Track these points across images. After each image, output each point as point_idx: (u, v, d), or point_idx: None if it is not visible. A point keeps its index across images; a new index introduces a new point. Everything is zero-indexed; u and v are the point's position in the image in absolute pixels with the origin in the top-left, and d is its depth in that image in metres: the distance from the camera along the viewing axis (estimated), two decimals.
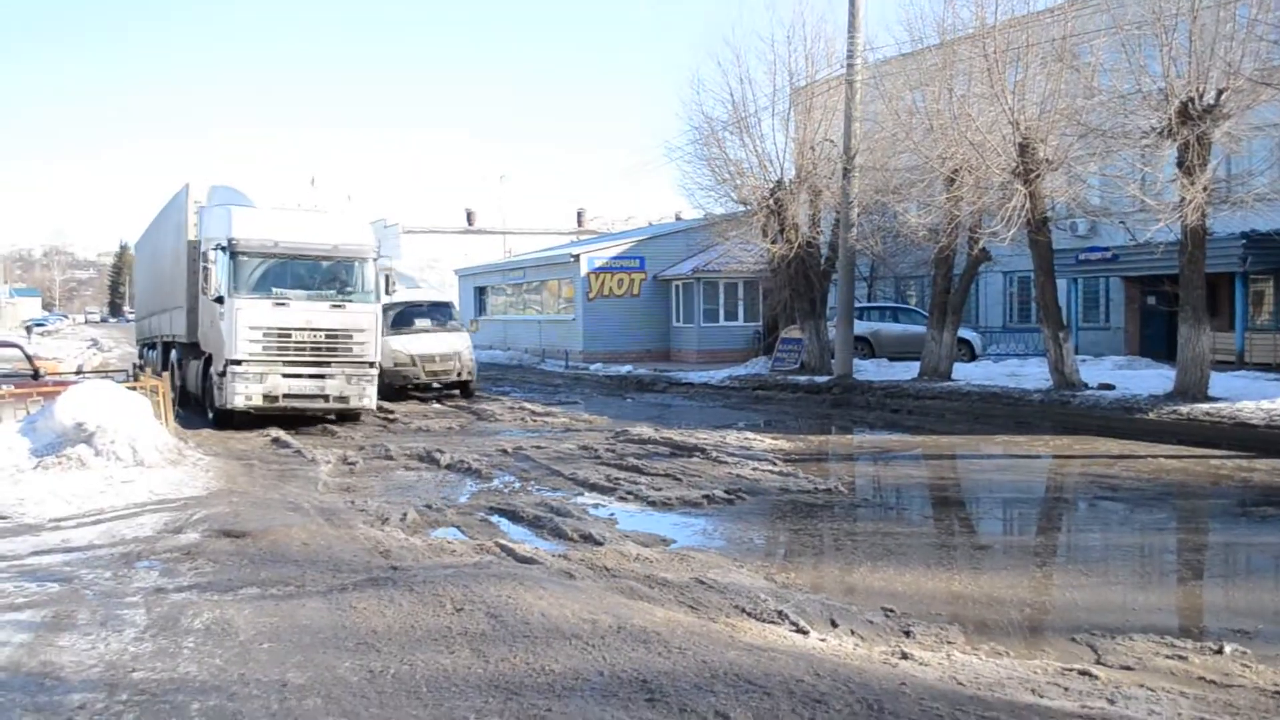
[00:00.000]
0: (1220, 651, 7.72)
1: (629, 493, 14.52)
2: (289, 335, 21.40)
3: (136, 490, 13.47)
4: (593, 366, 40.88)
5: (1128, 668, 7.30)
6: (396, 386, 29.19)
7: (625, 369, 38.89)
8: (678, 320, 45.36)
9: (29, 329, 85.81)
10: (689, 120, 37.74)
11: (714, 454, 17.83)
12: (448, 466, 17.00)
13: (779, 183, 32.49)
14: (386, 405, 26.49)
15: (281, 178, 28.32)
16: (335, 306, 22.12)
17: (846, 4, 29.48)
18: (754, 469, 16.20)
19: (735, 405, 28.67)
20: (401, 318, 30.06)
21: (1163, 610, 9.36)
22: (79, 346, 57.60)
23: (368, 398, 22.57)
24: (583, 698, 6.03)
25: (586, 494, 14.70)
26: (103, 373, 26.18)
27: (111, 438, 15.07)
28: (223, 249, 21.27)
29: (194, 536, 10.93)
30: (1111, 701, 6.33)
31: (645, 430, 20.79)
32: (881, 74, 30.51)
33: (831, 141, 31.53)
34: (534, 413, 25.72)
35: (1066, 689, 6.60)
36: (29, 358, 21.05)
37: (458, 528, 12.14)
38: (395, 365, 28.67)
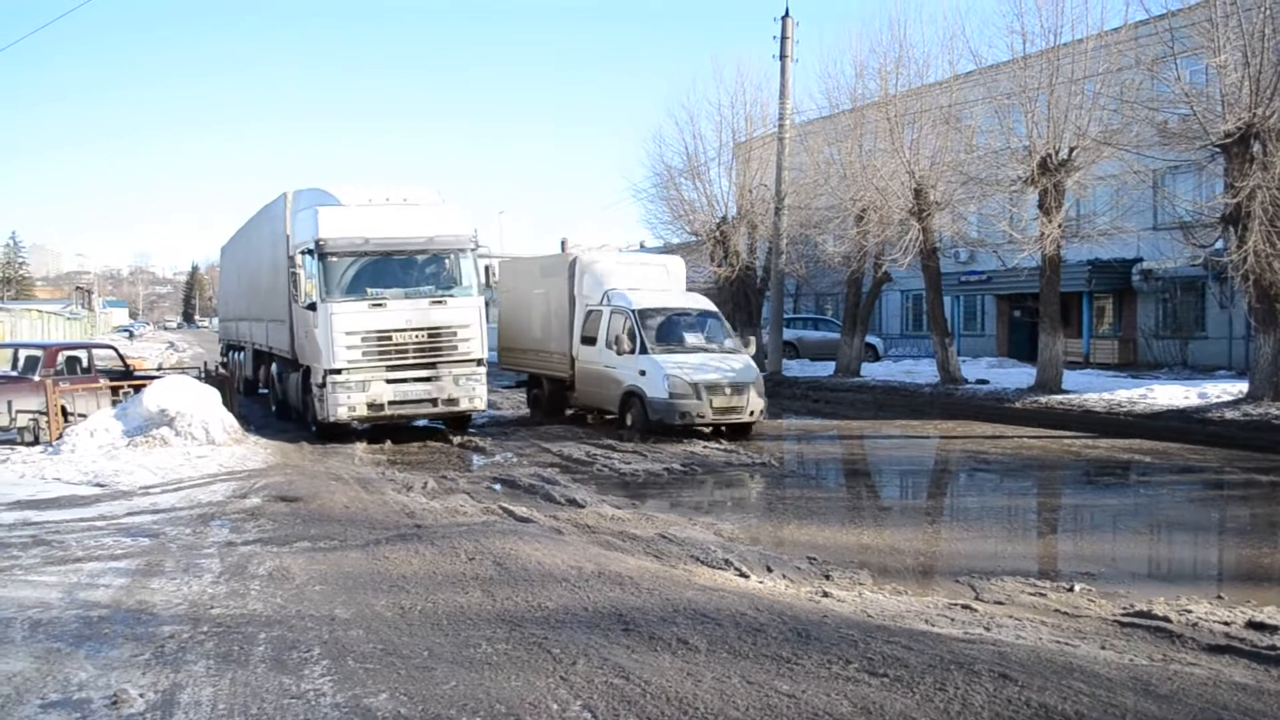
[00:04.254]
0: (1072, 589, 7.84)
1: (604, 465, 14.52)
2: (389, 338, 16.42)
3: (209, 464, 13.37)
4: None
5: (1000, 602, 7.40)
6: (667, 422, 17.01)
7: None
8: None
9: (130, 334, 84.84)
10: (651, 167, 37.62)
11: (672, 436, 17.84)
12: (460, 445, 16.97)
13: (724, 218, 32.49)
14: (663, 448, 15.92)
15: (370, 180, 24.52)
16: (436, 303, 16.86)
17: (778, 76, 29.60)
18: (704, 447, 16.20)
19: None
20: (667, 330, 18.30)
21: (1026, 557, 9.47)
22: (159, 348, 56.91)
23: (478, 398, 17.28)
24: (571, 628, 6.06)
25: (571, 467, 14.69)
26: (179, 369, 25.69)
27: (188, 421, 14.96)
28: (310, 252, 16.33)
29: (256, 501, 10.89)
30: (987, 629, 6.40)
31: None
32: (806, 132, 30.66)
33: (766, 186, 31.54)
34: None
35: (953, 619, 6.69)
36: (121, 356, 20.70)
37: (467, 494, 12.11)
38: (671, 395, 16.85)
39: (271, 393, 20.90)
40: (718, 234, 32.30)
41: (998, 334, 36.39)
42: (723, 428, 17.68)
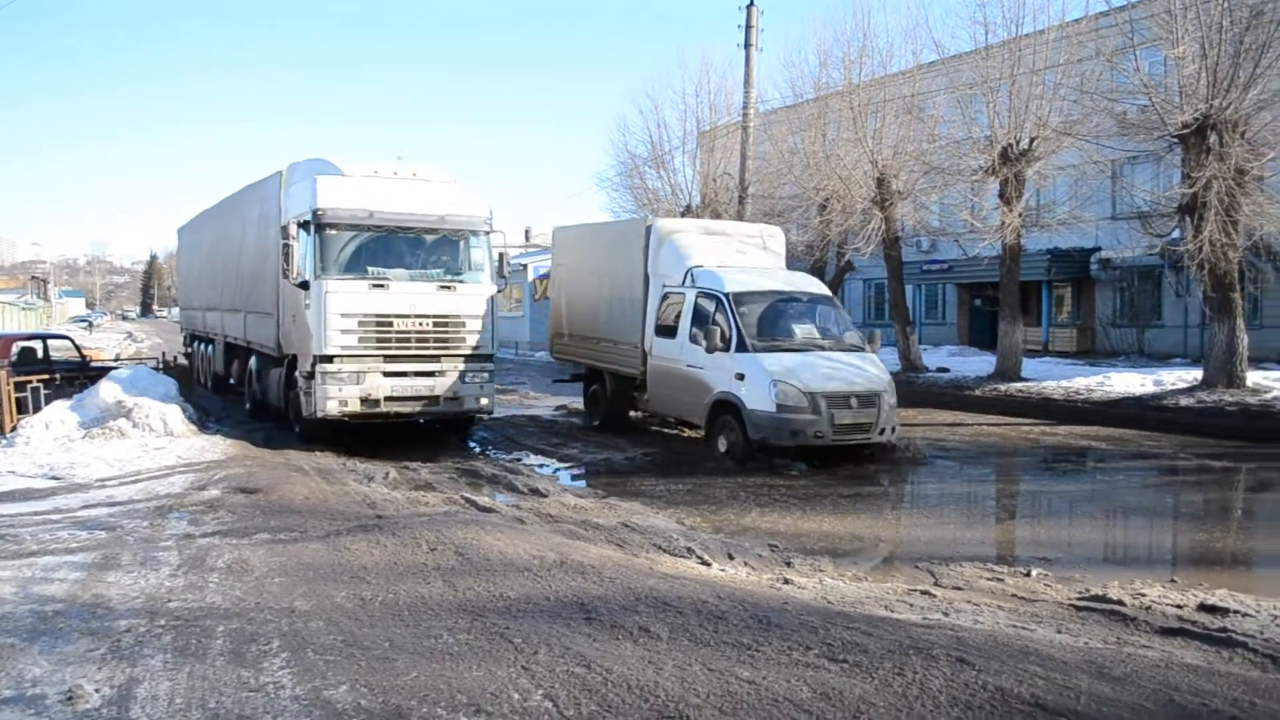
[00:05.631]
0: (1029, 574, 7.96)
1: (568, 455, 14.52)
2: (390, 324, 14.37)
3: (167, 456, 13.20)
4: (537, 354, 40.57)
5: (958, 588, 7.49)
6: (773, 444, 13.16)
7: None
8: None
9: (89, 324, 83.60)
10: (616, 156, 37.58)
11: (636, 423, 17.86)
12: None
13: (688, 208, 32.50)
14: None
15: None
16: (444, 288, 14.80)
17: (743, 65, 29.60)
18: (672, 433, 16.25)
19: None
20: (771, 321, 14.28)
21: (985, 543, 9.60)
22: (118, 338, 56.14)
23: (486, 398, 15.15)
24: (534, 617, 6.05)
25: (533, 456, 14.68)
26: (138, 359, 25.15)
27: (146, 413, 14.75)
28: (306, 224, 14.21)
29: (215, 493, 10.77)
30: (946, 614, 6.48)
31: (579, 404, 20.74)
32: (770, 121, 30.69)
33: (729, 175, 31.57)
34: None
35: (911, 605, 6.76)
36: (77, 347, 20.37)
37: (429, 485, 12.06)
38: (780, 409, 12.81)
39: (248, 390, 18.72)
40: None
41: (959, 322, 36.71)
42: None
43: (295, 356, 15.16)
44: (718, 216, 32.03)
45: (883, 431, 13.45)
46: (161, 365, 19.44)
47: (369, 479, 12.09)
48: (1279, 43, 16.97)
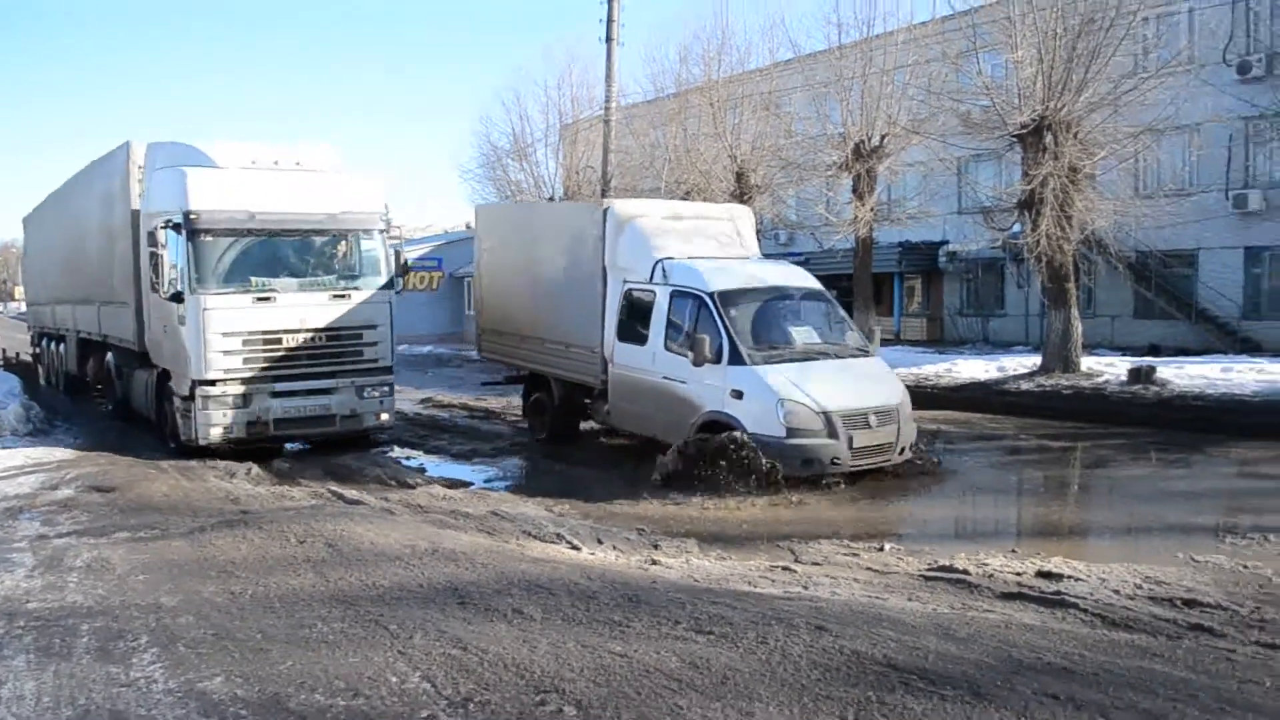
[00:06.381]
0: (882, 549, 8.42)
1: (435, 447, 14.51)
2: (278, 340, 12.93)
3: (13, 455, 12.69)
4: (400, 347, 40.09)
5: (817, 564, 7.87)
6: (775, 474, 10.89)
7: (427, 349, 38.38)
8: (470, 310, 45.10)
9: None
10: (479, 148, 37.37)
11: (502, 415, 17.93)
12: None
13: (550, 200, 32.65)
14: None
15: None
16: (338, 297, 13.38)
17: (604, 60, 29.84)
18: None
19: None
20: (764, 323, 12.40)
21: (842, 522, 10.02)
22: None
23: (386, 414, 13.95)
24: (408, 604, 6.13)
25: (399, 449, 14.60)
26: None
27: None
28: (176, 227, 12.47)
29: (69, 492, 10.44)
30: (805, 588, 6.82)
31: (446, 397, 20.69)
32: (632, 115, 31.01)
33: (592, 168, 31.78)
34: None
35: (773, 580, 7.09)
36: None
37: (294, 479, 11.89)
38: (790, 433, 11.00)
39: (110, 390, 17.05)
40: None
41: None
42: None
43: (168, 371, 13.58)
44: None
45: (902, 451, 11.78)
46: (1, 362, 18.52)
47: (230, 475, 11.86)
48: (1107, 49, 18.07)
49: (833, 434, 11.01)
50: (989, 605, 6.43)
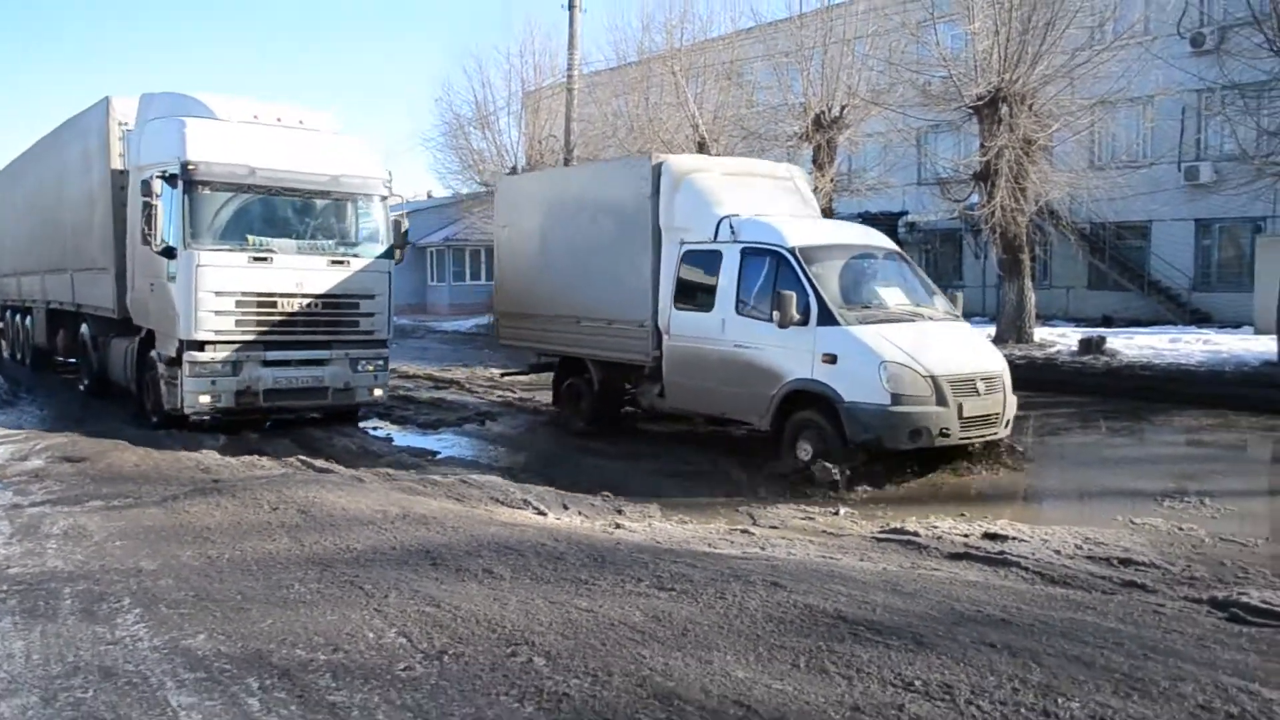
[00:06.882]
0: (837, 513, 8.79)
1: (402, 417, 14.68)
2: (273, 304, 12.34)
3: None
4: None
5: (774, 527, 8.21)
6: (889, 447, 9.93)
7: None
8: (432, 280, 45.12)
9: None
10: (440, 116, 37.52)
11: (467, 386, 18.15)
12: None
13: (514, 169, 32.66)
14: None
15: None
16: (336, 263, 12.84)
17: (567, 27, 29.84)
18: (499, 396, 16.59)
19: (481, 347, 28.80)
20: (852, 285, 11.26)
21: (800, 488, 10.28)
22: None
23: (380, 389, 13.42)
24: (381, 566, 6.38)
25: (364, 421, 14.73)
26: None
27: None
28: (173, 178, 11.82)
29: (39, 463, 10.54)
30: (762, 549, 7.15)
31: (411, 368, 20.83)
32: (594, 84, 31.10)
33: (555, 136, 31.83)
34: None
35: (732, 542, 7.42)
36: None
37: (262, 449, 12.01)
38: (895, 400, 9.70)
39: (85, 365, 16.25)
40: None
41: None
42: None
43: (152, 333, 12.93)
44: None
45: (1006, 424, 10.78)
46: None
47: (200, 445, 11.96)
48: (1062, 22, 18.46)
49: (942, 401, 9.81)
50: (936, 564, 6.79)
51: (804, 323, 10.24)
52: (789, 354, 10.42)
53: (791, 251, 10.72)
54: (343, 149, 13.27)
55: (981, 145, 19.61)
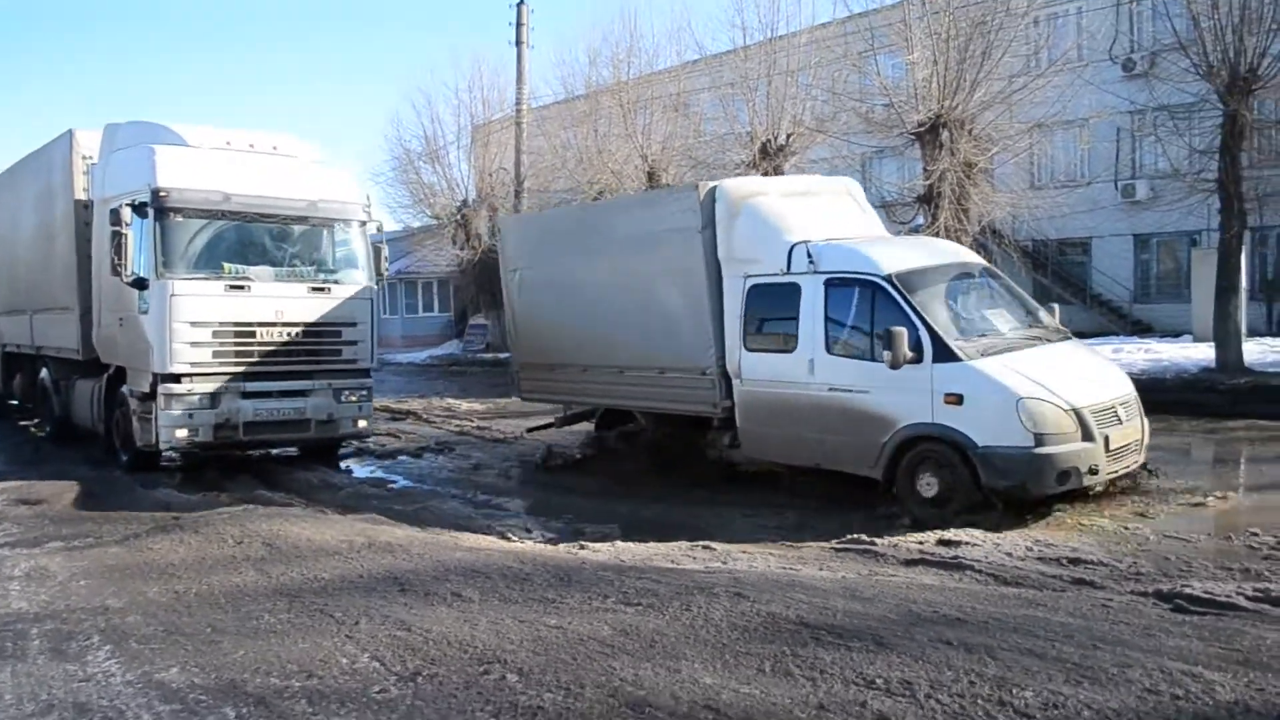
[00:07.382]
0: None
1: (360, 449, 14.66)
2: (252, 334, 11.83)
3: None
4: None
5: (735, 542, 8.35)
6: (1034, 492, 8.61)
7: None
8: (385, 313, 44.96)
9: None
10: (390, 151, 37.47)
11: (424, 416, 18.16)
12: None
13: (464, 202, 32.89)
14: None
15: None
16: (317, 290, 12.35)
17: (515, 63, 30.14)
18: (457, 426, 16.63)
19: (435, 378, 28.85)
20: (957, 310, 9.87)
21: (760, 505, 10.42)
22: None
23: (364, 420, 12.96)
24: (350, 594, 6.44)
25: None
26: None
27: None
28: (142, 206, 11.32)
29: None
30: (724, 563, 7.30)
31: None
32: (543, 117, 31.37)
33: (505, 169, 32.08)
34: None
35: (694, 558, 7.55)
36: None
37: (221, 486, 11.94)
38: (1040, 439, 8.42)
39: (46, 410, 15.58)
40: (459, 217, 32.73)
41: None
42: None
43: (123, 369, 12.44)
44: (495, 211, 32.19)
45: (1140, 455, 9.60)
46: None
47: (157, 484, 11.90)
48: (998, 51, 18.95)
49: (1087, 435, 8.64)
50: (893, 571, 6.99)
51: (917, 360, 8.95)
52: (902, 397, 9.11)
53: (889, 280, 9.40)
54: (320, 174, 12.92)
55: (924, 169, 20.01)
